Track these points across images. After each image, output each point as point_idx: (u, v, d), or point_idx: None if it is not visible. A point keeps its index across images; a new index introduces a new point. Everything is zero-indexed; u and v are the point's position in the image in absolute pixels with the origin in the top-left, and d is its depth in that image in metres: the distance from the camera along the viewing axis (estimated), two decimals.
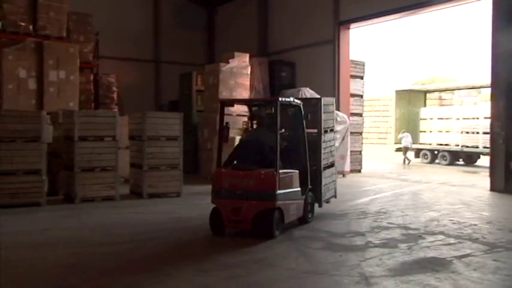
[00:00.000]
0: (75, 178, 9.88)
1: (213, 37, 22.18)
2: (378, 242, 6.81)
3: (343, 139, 15.33)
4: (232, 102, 9.27)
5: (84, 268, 5.56)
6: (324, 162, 8.38)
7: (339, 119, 15.23)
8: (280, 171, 6.86)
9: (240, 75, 14.80)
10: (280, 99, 7.23)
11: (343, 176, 15.30)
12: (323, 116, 8.37)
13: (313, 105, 8.44)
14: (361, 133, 17.06)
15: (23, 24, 12.92)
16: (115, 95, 15.78)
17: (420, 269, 5.49)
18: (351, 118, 16.20)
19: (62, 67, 12.40)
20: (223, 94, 14.22)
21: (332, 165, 8.94)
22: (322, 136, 8.34)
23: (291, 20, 17.94)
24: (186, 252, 6.29)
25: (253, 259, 5.90)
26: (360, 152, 16.77)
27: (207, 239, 6.96)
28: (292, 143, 7.72)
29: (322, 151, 8.32)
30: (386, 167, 19.24)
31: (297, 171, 7.41)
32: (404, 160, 21.15)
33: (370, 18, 15.89)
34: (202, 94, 16.07)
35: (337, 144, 15.14)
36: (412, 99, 23.55)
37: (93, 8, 15.50)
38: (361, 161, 16.81)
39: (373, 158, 21.32)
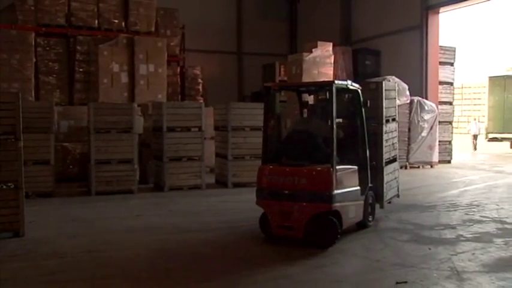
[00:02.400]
0: (164, 167, 10.31)
1: (295, 27, 22.08)
2: (470, 236, 6.48)
3: (431, 128, 14.76)
4: (279, 86, 7.69)
5: (177, 253, 5.81)
6: (385, 157, 7.30)
7: (426, 107, 14.68)
8: (337, 167, 5.89)
9: (323, 65, 14.66)
10: (336, 82, 6.23)
11: (431, 166, 14.74)
12: (384, 103, 7.29)
13: (372, 91, 7.33)
14: (450, 122, 16.28)
15: (115, 21, 13.69)
16: (200, 87, 16.23)
17: None
18: (440, 107, 15.51)
19: (151, 61, 12.99)
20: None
21: (394, 159, 7.83)
22: (384, 126, 7.24)
23: (375, 7, 17.44)
24: (270, 240, 6.35)
25: (337, 249, 5.84)
26: (450, 142, 16.00)
27: None
28: (349, 135, 6.67)
29: (384, 144, 7.24)
30: (477, 158, 18.23)
31: (356, 167, 6.43)
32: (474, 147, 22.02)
33: (461, 1, 15.06)
34: None
35: (424, 134, 14.67)
36: (508, 86, 22.04)
37: (179, 3, 16.01)
38: (450, 152, 16.04)
39: (463, 148, 20.31)
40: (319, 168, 5.89)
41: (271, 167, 6.19)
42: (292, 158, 6.20)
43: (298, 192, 5.83)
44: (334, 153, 5.84)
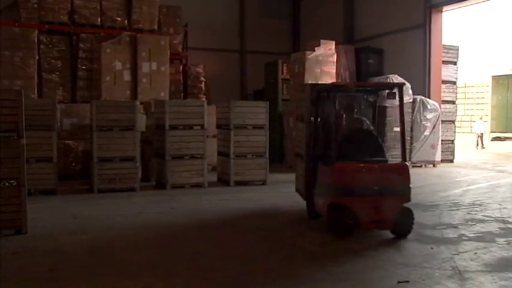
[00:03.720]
0: (166, 165, 10.31)
1: (298, 25, 22.05)
2: (472, 235, 6.47)
3: (433, 127, 14.75)
4: (328, 87, 7.44)
5: (179, 251, 5.82)
6: None
7: (429, 106, 14.65)
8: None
9: (325, 63, 14.62)
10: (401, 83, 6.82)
11: (434, 166, 14.72)
12: None
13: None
14: (453, 121, 16.24)
15: (118, 19, 13.69)
16: (203, 85, 16.23)
17: None
18: (443, 106, 15.47)
19: (153, 59, 12.99)
20: (309, 82, 14.14)
21: None
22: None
23: (378, 5, 17.39)
24: (274, 239, 6.36)
25: (341, 249, 5.85)
26: (452, 141, 15.97)
27: (294, 227, 6.99)
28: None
29: None
30: (480, 157, 18.18)
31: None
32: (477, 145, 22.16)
33: (465, 0, 15.01)
34: (288, 83, 16.08)
35: (427, 133, 14.64)
36: (511, 85, 22.03)
37: (181, 1, 16.00)
38: (453, 151, 16.01)
39: (466, 147, 20.27)
40: (401, 164, 6.40)
41: (355, 165, 6.25)
42: (360, 156, 6.34)
43: (388, 187, 6.11)
44: (407, 149, 6.30)
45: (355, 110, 7.08)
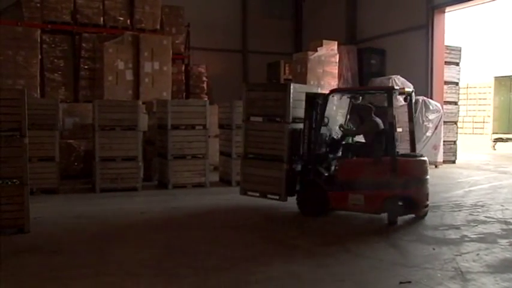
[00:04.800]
0: (168, 165, 10.32)
1: (301, 25, 22.03)
2: (475, 236, 6.46)
3: (435, 128, 14.70)
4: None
5: (181, 250, 5.82)
6: None
7: (431, 107, 14.62)
8: None
9: (328, 64, 14.64)
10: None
11: (436, 166, 14.68)
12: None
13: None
14: (455, 122, 16.22)
15: (121, 19, 13.71)
16: (205, 85, 16.23)
17: None
18: (445, 107, 15.44)
19: (156, 58, 13.00)
20: (311, 83, 14.15)
21: None
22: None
23: (381, 6, 17.37)
24: (275, 238, 6.36)
25: (341, 249, 5.85)
26: (454, 142, 15.95)
27: (295, 227, 6.99)
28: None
29: None
30: (482, 158, 18.14)
31: None
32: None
33: (467, 1, 15.00)
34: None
35: (429, 134, 14.62)
36: None
37: (184, 1, 16.01)
38: (455, 152, 15.98)
39: (468, 148, 20.23)
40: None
41: (411, 160, 7.24)
42: (395, 152, 7.14)
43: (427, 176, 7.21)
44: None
45: (373, 111, 7.77)
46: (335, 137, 8.03)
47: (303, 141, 7.64)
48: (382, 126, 7.58)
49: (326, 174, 7.58)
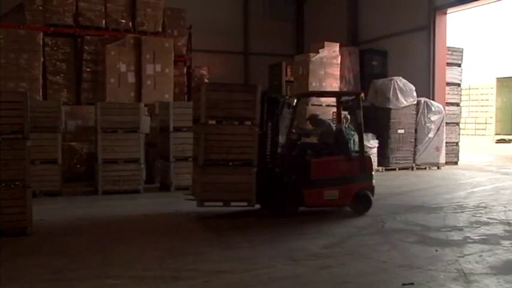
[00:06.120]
0: (170, 167, 10.32)
1: (302, 27, 22.06)
2: (477, 237, 6.44)
3: (438, 130, 14.71)
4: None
5: (184, 253, 5.80)
6: None
7: (433, 108, 14.62)
8: None
9: (329, 65, 14.63)
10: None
11: (438, 168, 14.69)
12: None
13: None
14: (457, 123, 16.21)
15: (123, 21, 13.73)
16: None
17: None
18: (447, 108, 15.44)
19: (158, 61, 13.02)
20: (313, 84, 14.15)
21: None
22: None
23: (383, 7, 17.39)
24: (277, 239, 6.35)
25: (343, 250, 5.84)
26: (457, 143, 15.94)
27: (297, 228, 7.00)
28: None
29: None
30: (485, 160, 18.11)
31: None
32: None
33: (469, 2, 15.00)
34: (292, 85, 16.09)
35: (431, 135, 14.61)
36: None
37: (186, 3, 16.04)
38: (457, 153, 15.97)
39: (470, 149, 20.20)
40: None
41: (369, 156, 8.35)
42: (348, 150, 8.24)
43: None
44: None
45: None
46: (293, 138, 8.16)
47: (265, 144, 7.59)
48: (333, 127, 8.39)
49: (301, 174, 7.71)
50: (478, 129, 29.34)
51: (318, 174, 7.67)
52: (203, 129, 7.42)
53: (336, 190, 7.71)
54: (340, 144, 7.99)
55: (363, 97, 8.47)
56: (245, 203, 7.61)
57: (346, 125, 11.14)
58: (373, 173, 8.09)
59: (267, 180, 7.59)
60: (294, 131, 8.03)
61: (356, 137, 10.75)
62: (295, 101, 8.01)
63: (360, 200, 7.86)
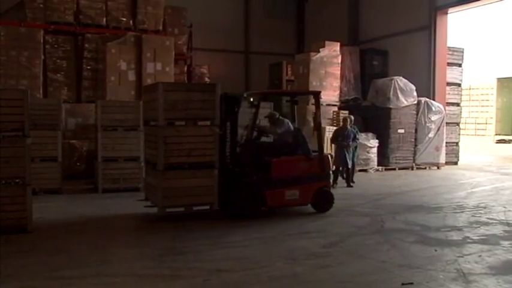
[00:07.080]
0: None
1: (303, 26, 22.04)
2: (477, 237, 6.45)
3: (438, 130, 14.72)
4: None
5: (183, 252, 5.82)
6: None
7: (434, 108, 14.62)
8: None
9: (330, 65, 14.65)
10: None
11: (438, 168, 14.68)
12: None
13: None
14: (458, 124, 16.21)
15: (124, 19, 13.72)
16: None
17: None
18: (447, 108, 15.44)
19: (158, 59, 13.00)
20: (314, 84, 14.17)
21: None
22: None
23: (383, 7, 17.37)
24: (277, 238, 6.36)
25: (343, 250, 5.85)
26: (457, 143, 15.94)
27: (298, 228, 6.99)
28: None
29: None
30: (485, 160, 18.12)
31: None
32: None
33: (470, 2, 14.99)
34: (292, 84, 16.09)
35: (431, 135, 14.61)
36: None
37: (186, 1, 16.03)
38: (457, 153, 15.98)
39: (470, 149, 20.20)
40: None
41: (327, 155, 8.52)
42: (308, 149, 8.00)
43: None
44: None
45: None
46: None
47: (225, 144, 7.42)
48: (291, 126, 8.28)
49: (262, 174, 7.53)
50: (478, 129, 29.31)
51: (279, 174, 7.56)
52: (162, 132, 7.08)
53: (297, 190, 7.68)
54: (300, 144, 7.92)
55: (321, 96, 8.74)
56: (207, 206, 7.39)
57: (351, 125, 11.10)
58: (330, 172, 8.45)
59: (227, 181, 7.37)
60: (255, 129, 7.91)
61: (359, 136, 11.39)
62: (253, 100, 8.15)
63: (320, 198, 7.89)
